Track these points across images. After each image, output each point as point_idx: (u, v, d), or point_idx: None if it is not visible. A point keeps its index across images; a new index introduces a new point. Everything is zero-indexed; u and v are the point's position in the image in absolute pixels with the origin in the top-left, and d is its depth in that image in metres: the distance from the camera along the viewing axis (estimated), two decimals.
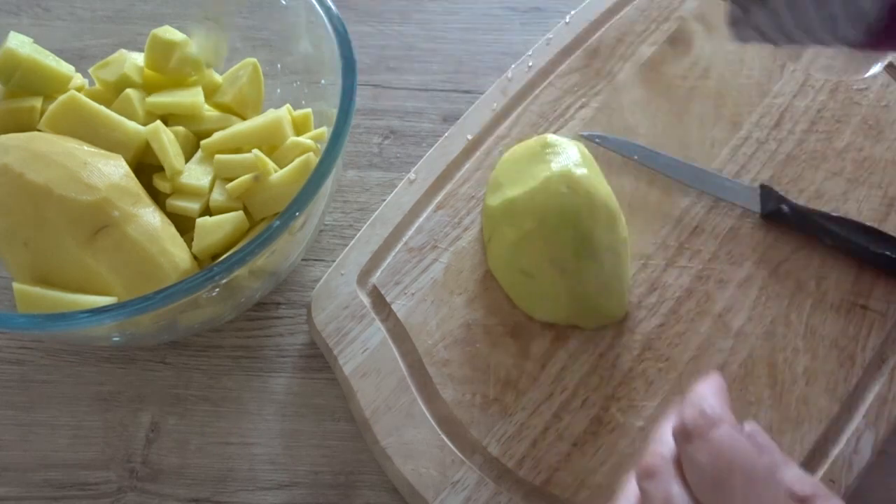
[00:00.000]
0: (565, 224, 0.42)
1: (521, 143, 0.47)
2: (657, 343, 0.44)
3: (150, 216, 0.40)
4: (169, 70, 0.46)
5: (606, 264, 0.42)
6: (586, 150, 0.45)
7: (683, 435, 0.26)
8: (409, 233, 0.47)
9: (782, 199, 0.46)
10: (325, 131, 0.45)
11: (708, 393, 0.27)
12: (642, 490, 0.27)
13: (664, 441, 0.27)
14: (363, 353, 0.44)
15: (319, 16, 0.43)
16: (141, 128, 0.43)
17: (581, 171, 0.43)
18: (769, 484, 0.24)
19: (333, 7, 0.43)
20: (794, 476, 0.24)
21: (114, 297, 0.39)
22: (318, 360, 0.46)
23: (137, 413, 0.44)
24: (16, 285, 0.38)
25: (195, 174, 0.43)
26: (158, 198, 0.43)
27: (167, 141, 0.43)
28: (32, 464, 0.43)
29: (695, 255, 0.47)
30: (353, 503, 0.42)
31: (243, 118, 0.47)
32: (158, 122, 0.43)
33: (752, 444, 0.25)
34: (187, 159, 0.44)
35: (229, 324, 0.47)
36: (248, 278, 0.40)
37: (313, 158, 0.43)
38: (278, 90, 0.50)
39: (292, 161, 0.43)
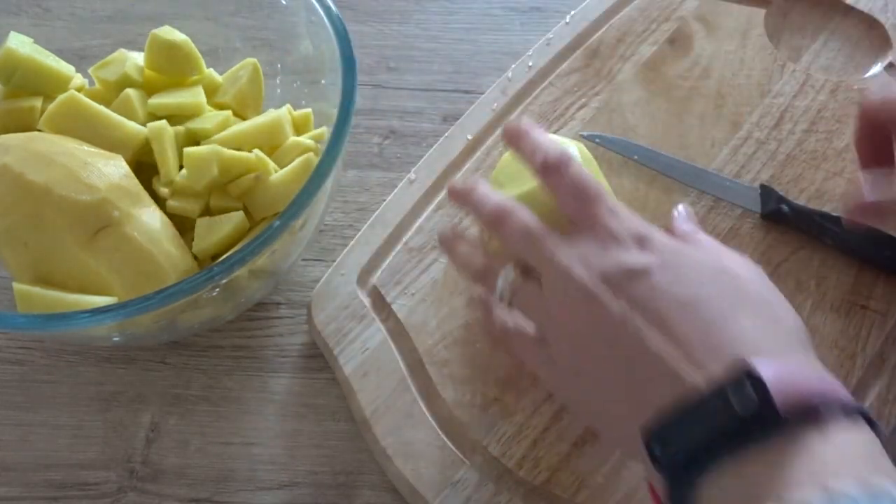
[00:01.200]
0: (565, 223, 0.41)
1: None
2: None
3: (151, 216, 0.40)
4: (169, 70, 0.46)
5: None
6: (586, 150, 0.45)
7: (552, 168, 0.35)
8: (410, 233, 0.47)
9: (782, 199, 0.46)
10: (325, 131, 0.45)
11: (549, 141, 0.37)
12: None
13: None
14: (363, 353, 0.44)
15: (319, 16, 0.43)
16: (141, 128, 0.43)
17: None
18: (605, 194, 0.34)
19: (333, 7, 0.43)
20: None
21: (114, 298, 0.38)
22: (318, 360, 0.46)
23: (137, 413, 0.44)
24: (16, 285, 0.38)
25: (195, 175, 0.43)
26: (158, 198, 0.43)
27: (168, 143, 0.43)
28: (32, 464, 0.43)
29: None
30: (354, 503, 0.42)
31: (243, 118, 0.47)
32: (163, 123, 0.43)
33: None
34: None
35: (229, 324, 0.47)
36: (248, 278, 0.40)
37: (313, 158, 0.43)
38: (278, 90, 0.50)
39: (292, 161, 0.43)
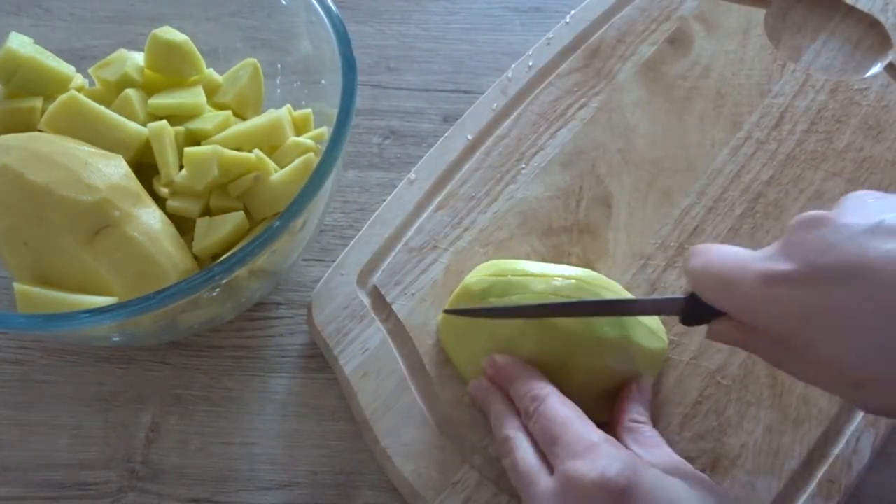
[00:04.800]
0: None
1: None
2: None
3: (151, 216, 0.40)
4: (169, 70, 0.46)
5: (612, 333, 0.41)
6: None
7: (527, 416, 0.37)
8: (410, 233, 0.47)
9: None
10: (325, 131, 0.45)
11: (528, 383, 0.38)
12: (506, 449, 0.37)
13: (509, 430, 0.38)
14: (363, 353, 0.44)
15: (319, 16, 0.43)
16: (141, 128, 0.43)
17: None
18: (578, 438, 0.34)
19: (333, 7, 0.43)
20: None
21: (114, 298, 0.38)
22: (318, 360, 0.46)
23: (138, 413, 0.44)
24: (16, 285, 0.38)
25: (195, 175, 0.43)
26: (159, 198, 0.43)
27: (168, 143, 0.43)
28: (32, 464, 0.43)
29: None
30: (354, 503, 0.42)
31: (243, 118, 0.47)
32: (163, 123, 0.43)
33: (564, 410, 0.36)
34: None
35: (230, 324, 0.47)
36: (248, 278, 0.40)
37: (314, 158, 0.43)
38: (278, 90, 0.50)
39: (293, 161, 0.43)
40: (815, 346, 0.30)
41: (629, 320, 0.40)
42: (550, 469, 0.35)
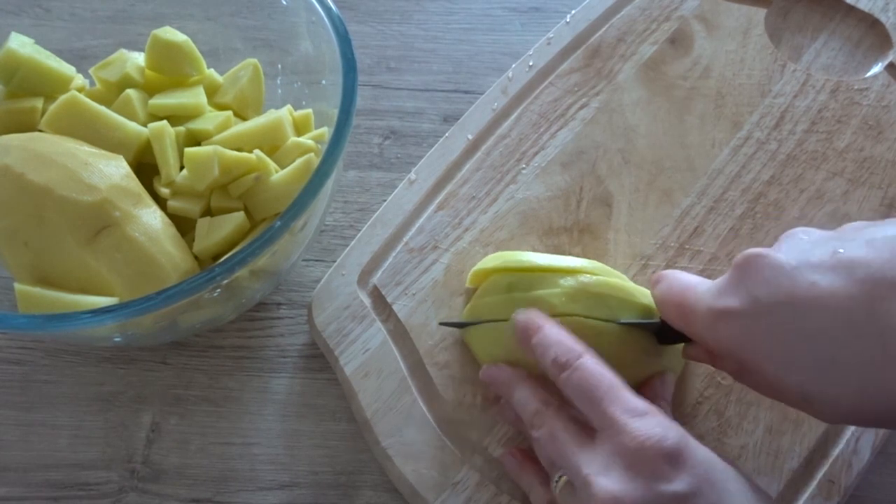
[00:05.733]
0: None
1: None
2: None
3: (151, 217, 0.40)
4: (170, 70, 0.46)
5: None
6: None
7: (559, 367, 0.36)
8: (410, 233, 0.47)
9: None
10: (325, 131, 0.45)
11: (562, 334, 0.37)
12: (534, 426, 0.37)
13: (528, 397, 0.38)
14: (364, 353, 0.44)
15: (320, 16, 0.43)
16: (142, 128, 0.43)
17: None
18: (619, 397, 0.34)
19: (334, 7, 0.43)
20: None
21: (115, 298, 0.38)
22: (318, 360, 0.46)
23: (138, 413, 0.44)
24: (17, 286, 0.38)
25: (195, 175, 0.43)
26: (159, 198, 0.43)
27: (168, 144, 0.43)
28: (33, 464, 0.43)
29: (695, 256, 0.47)
30: (354, 503, 0.42)
31: (244, 118, 0.47)
32: (164, 123, 0.43)
33: (606, 368, 0.35)
34: None
35: (230, 324, 0.47)
36: (249, 279, 0.40)
37: (314, 159, 0.43)
38: (279, 90, 0.50)
39: (293, 161, 0.43)
40: (762, 368, 0.33)
41: (655, 317, 0.40)
42: (590, 431, 0.35)
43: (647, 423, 0.33)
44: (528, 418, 0.37)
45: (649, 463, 0.32)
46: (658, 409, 0.34)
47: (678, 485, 0.31)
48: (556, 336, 0.37)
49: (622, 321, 0.39)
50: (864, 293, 0.30)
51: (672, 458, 0.32)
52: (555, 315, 0.40)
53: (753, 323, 0.33)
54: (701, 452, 0.33)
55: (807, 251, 0.33)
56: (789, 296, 0.32)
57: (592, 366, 0.35)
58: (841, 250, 0.32)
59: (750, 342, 0.33)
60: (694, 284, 0.36)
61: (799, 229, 0.35)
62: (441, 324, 0.43)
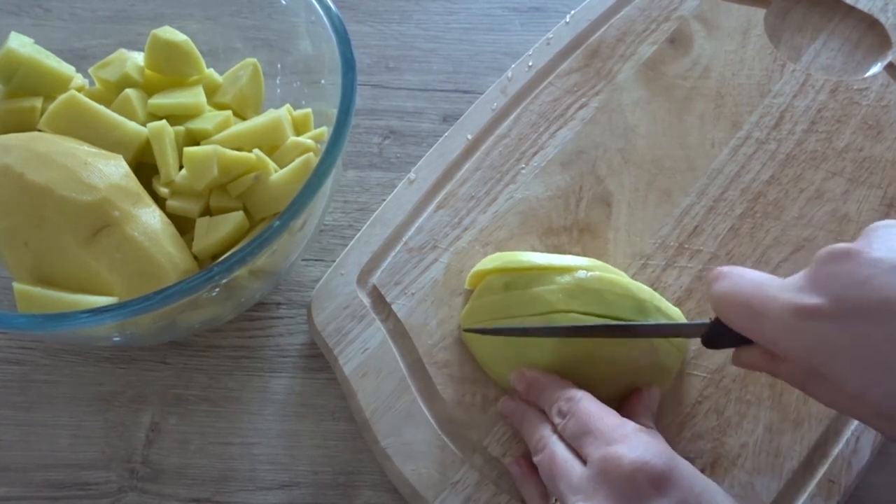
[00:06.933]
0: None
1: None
2: None
3: (151, 216, 0.40)
4: (169, 70, 0.46)
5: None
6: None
7: (561, 415, 0.37)
8: (410, 233, 0.47)
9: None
10: (325, 131, 0.45)
11: (561, 387, 0.39)
12: (538, 450, 0.37)
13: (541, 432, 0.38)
14: (363, 353, 0.44)
15: (319, 16, 0.43)
16: (141, 128, 0.43)
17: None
18: (614, 427, 0.35)
19: (333, 7, 0.43)
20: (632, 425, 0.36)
21: (114, 297, 0.38)
22: (318, 360, 0.46)
23: (138, 413, 0.44)
24: (16, 285, 0.38)
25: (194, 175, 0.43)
26: (158, 198, 0.43)
27: (168, 143, 0.43)
28: (33, 464, 0.43)
29: (695, 255, 0.47)
30: (354, 503, 0.42)
31: (243, 118, 0.47)
32: (163, 123, 0.43)
33: (598, 407, 0.37)
34: None
35: (229, 324, 0.47)
36: (248, 278, 0.40)
37: (313, 158, 0.43)
38: (278, 90, 0.50)
39: (292, 161, 0.43)
40: (844, 379, 0.30)
41: (651, 311, 0.41)
42: (582, 462, 0.35)
43: (633, 445, 0.34)
44: (532, 445, 0.38)
45: (633, 485, 0.32)
46: (644, 430, 0.35)
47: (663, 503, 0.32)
48: (557, 392, 0.39)
49: (665, 324, 0.40)
50: None
51: (655, 480, 0.32)
52: (552, 312, 0.40)
53: (843, 327, 0.29)
54: (688, 471, 0.33)
55: None
56: (885, 299, 0.29)
57: (586, 406, 0.37)
58: None
59: (835, 349, 0.30)
60: (765, 280, 0.33)
61: (886, 222, 0.32)
62: (466, 330, 0.43)
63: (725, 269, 0.35)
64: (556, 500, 0.36)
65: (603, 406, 0.37)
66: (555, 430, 0.38)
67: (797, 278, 0.32)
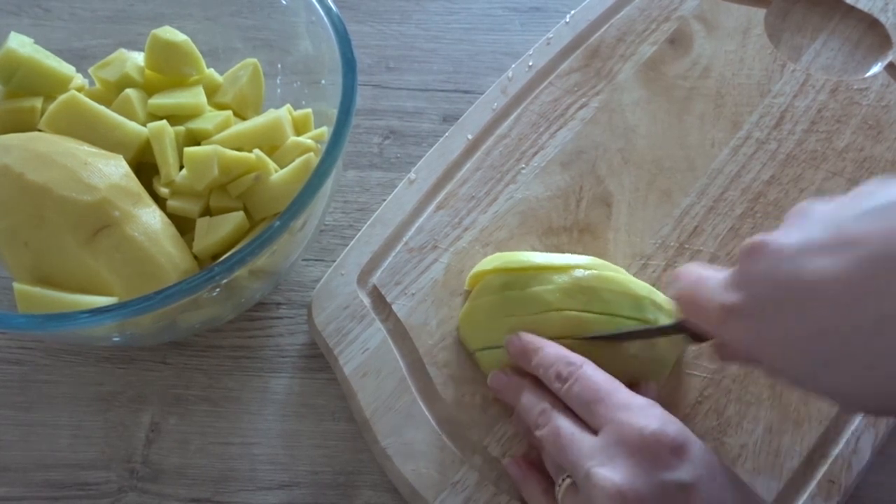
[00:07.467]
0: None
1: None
2: None
3: (151, 216, 0.40)
4: (169, 70, 0.46)
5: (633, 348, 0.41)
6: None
7: (561, 380, 0.36)
8: (410, 233, 0.47)
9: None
10: (325, 131, 0.45)
11: (560, 351, 0.38)
12: (538, 426, 0.36)
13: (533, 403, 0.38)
14: (363, 353, 0.44)
15: (320, 16, 0.43)
16: (141, 128, 0.43)
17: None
18: (629, 397, 0.34)
19: (333, 7, 0.43)
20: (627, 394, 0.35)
21: (114, 298, 0.38)
22: (318, 360, 0.46)
23: (138, 413, 0.44)
24: (16, 285, 0.38)
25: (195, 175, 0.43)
26: (159, 198, 0.43)
27: (168, 143, 0.43)
28: (33, 464, 0.43)
29: (695, 256, 0.47)
30: (354, 503, 0.42)
31: (243, 118, 0.47)
32: (163, 123, 0.43)
33: (605, 375, 0.36)
34: None
35: (230, 324, 0.47)
36: (248, 278, 0.40)
37: (313, 158, 0.43)
38: (278, 90, 0.50)
39: (292, 161, 0.43)
40: (778, 366, 0.31)
41: (648, 306, 0.41)
42: (590, 431, 0.34)
43: (649, 415, 0.33)
44: (532, 419, 0.37)
45: (652, 452, 0.32)
46: (654, 403, 0.34)
47: (681, 473, 0.31)
48: (554, 354, 0.38)
49: (645, 328, 0.40)
50: (863, 275, 0.27)
51: (675, 449, 0.32)
52: (550, 311, 0.40)
53: (758, 322, 0.30)
54: (700, 447, 0.33)
55: (809, 230, 0.29)
56: (789, 289, 0.29)
57: (591, 373, 0.36)
58: (844, 224, 0.28)
59: (759, 341, 0.30)
60: (705, 278, 0.34)
61: (807, 202, 0.31)
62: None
63: (681, 269, 0.35)
64: (563, 480, 0.35)
65: (608, 375, 0.36)
66: (554, 401, 0.37)
67: (727, 274, 0.32)
